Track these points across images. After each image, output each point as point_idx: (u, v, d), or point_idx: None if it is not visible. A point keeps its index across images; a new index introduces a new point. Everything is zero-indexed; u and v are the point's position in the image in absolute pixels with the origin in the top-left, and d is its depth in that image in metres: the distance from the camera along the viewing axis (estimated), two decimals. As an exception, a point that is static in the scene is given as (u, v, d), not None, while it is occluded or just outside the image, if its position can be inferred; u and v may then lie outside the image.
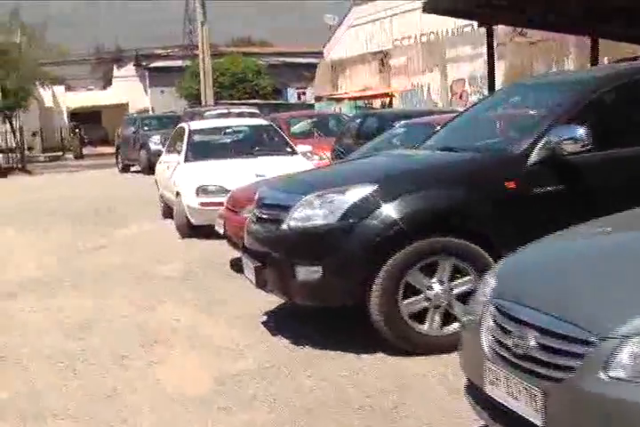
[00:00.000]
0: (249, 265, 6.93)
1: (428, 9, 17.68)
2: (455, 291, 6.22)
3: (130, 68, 56.37)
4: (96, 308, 8.39)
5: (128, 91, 54.65)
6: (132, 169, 31.43)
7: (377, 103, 38.56)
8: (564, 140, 6.18)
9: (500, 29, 30.29)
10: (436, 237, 6.14)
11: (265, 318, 7.62)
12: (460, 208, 6.26)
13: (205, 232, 12.37)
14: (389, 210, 6.09)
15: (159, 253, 11.63)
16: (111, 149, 38.87)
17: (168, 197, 14.25)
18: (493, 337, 3.88)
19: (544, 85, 7.48)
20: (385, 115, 15.22)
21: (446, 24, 34.12)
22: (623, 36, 17.40)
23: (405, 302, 6.15)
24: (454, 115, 11.00)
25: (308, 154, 14.50)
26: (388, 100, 37.87)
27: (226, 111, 24.87)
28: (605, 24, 16.08)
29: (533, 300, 3.76)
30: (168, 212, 14.96)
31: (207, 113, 24.72)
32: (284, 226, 6.39)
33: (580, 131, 6.10)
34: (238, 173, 12.73)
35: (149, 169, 27.77)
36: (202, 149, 14.09)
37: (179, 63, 51.06)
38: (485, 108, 8.00)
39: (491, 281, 4.23)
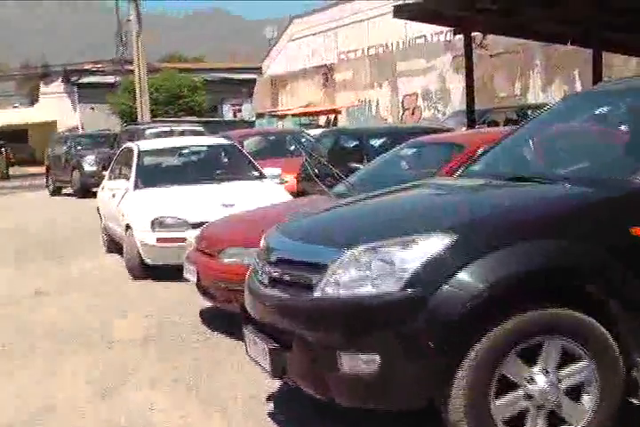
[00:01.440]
0: (257, 344, 4.97)
1: (399, 14, 15.92)
2: (564, 383, 4.37)
3: (58, 85, 53.75)
4: (36, 394, 6.32)
5: (56, 108, 52.02)
6: (64, 191, 29.13)
7: (322, 120, 36.83)
8: None
9: (458, 41, 28.80)
10: (538, 310, 4.29)
11: (272, 405, 5.66)
12: (570, 267, 4.40)
13: (162, 271, 10.49)
14: (475, 272, 4.22)
15: (110, 303, 9.60)
16: (39, 169, 36.42)
17: (115, 230, 12.21)
18: None
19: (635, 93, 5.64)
20: (362, 132, 13.31)
21: (396, 36, 32.58)
22: (633, 47, 15.79)
23: (499, 401, 4.27)
24: (474, 131, 9.26)
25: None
26: (333, 116, 36.16)
27: (168, 129, 22.81)
28: (613, 33, 14.45)
29: None
30: (113, 245, 12.95)
31: (148, 131, 22.57)
32: (318, 293, 4.47)
33: None
34: (201, 203, 10.88)
35: (83, 192, 25.91)
36: (154, 174, 12.11)
37: (110, 79, 48.63)
38: (550, 122, 6.14)
39: None
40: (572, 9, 13.74)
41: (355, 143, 12.77)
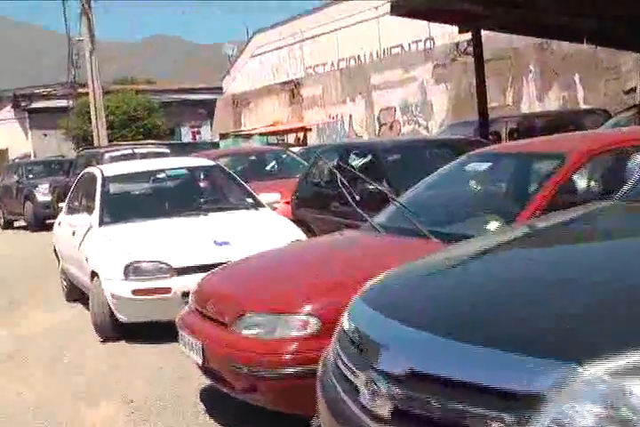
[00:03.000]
0: None
1: (397, 10, 13.75)
2: None
3: (8, 111, 50.99)
4: None
5: (7, 135, 49.24)
6: (16, 224, 26.54)
7: (291, 138, 34.61)
8: None
9: (439, 48, 26.76)
10: None
11: None
12: None
13: (138, 329, 8.25)
14: None
15: (76, 379, 7.22)
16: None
17: (77, 276, 9.83)
18: None
19: None
20: (376, 146, 10.87)
21: (369, 46, 30.48)
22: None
23: None
24: (568, 136, 7.00)
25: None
26: (302, 134, 33.92)
27: (130, 152, 20.38)
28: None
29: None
30: (74, 292, 10.59)
31: (108, 155, 20.14)
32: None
33: None
34: (186, 241, 8.59)
35: (37, 224, 23.59)
36: (124, 206, 9.73)
37: (62, 103, 46.05)
38: None
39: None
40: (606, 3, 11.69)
41: (367, 160, 10.49)
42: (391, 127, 29.69)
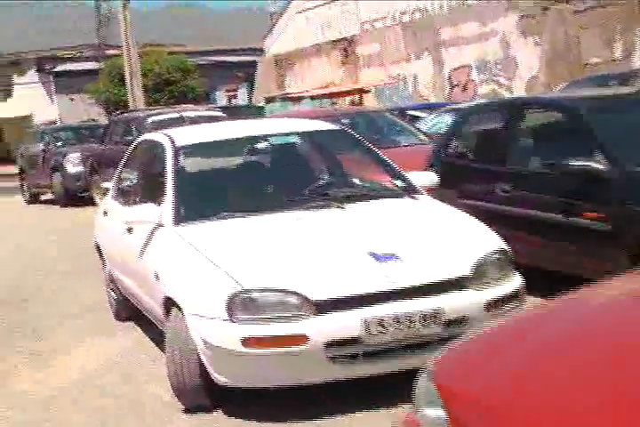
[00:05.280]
0: None
1: None
2: None
3: (32, 74, 47.82)
4: None
5: (31, 100, 46.06)
6: (43, 198, 23.40)
7: (346, 102, 31.27)
8: None
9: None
10: None
11: None
12: None
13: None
14: None
15: None
16: (14, 169, 30.63)
17: (135, 293, 6.57)
18: None
19: None
20: (579, 104, 7.13)
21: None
22: None
23: None
24: None
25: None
26: (358, 97, 30.59)
27: (177, 115, 17.04)
28: None
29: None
30: (127, 308, 7.42)
31: (151, 119, 16.76)
32: None
33: None
34: (326, 254, 5.20)
35: (67, 199, 20.68)
36: (211, 192, 6.32)
37: (89, 65, 43.02)
38: None
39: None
40: None
41: (558, 122, 7.12)
42: (465, 88, 26.18)
